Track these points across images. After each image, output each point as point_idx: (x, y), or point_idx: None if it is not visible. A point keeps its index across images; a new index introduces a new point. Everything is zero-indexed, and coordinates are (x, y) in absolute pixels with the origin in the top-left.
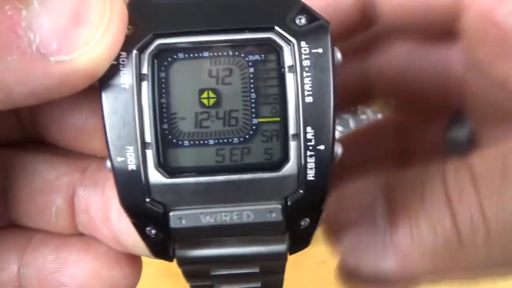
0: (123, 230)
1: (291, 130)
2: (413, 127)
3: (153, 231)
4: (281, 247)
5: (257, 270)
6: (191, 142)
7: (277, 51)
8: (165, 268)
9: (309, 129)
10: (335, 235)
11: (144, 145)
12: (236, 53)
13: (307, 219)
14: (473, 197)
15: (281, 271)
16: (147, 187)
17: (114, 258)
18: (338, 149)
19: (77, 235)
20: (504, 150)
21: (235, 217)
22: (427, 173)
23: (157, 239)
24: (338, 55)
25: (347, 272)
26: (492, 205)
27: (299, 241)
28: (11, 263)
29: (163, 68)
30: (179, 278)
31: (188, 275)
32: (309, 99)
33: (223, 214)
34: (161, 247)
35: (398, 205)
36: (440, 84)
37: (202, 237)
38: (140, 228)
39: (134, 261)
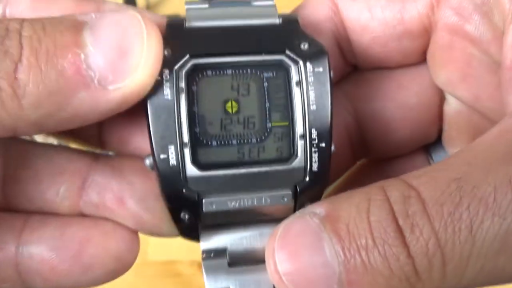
0: (146, 210)
1: (299, 131)
2: (393, 164)
3: (187, 216)
4: None
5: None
6: (218, 142)
7: (287, 69)
8: (166, 269)
9: (313, 130)
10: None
11: (183, 144)
12: (254, 71)
13: (309, 203)
14: (426, 227)
15: None
16: (185, 179)
17: (120, 234)
18: (332, 147)
19: (77, 216)
20: (454, 174)
21: (255, 201)
22: (371, 198)
23: (189, 222)
24: (331, 74)
25: None
26: (447, 233)
27: None
28: (8, 243)
29: (195, 83)
30: (179, 279)
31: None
32: (313, 107)
33: (246, 199)
34: (192, 229)
35: (344, 237)
36: (418, 113)
37: (228, 219)
38: (175, 213)
39: (135, 237)
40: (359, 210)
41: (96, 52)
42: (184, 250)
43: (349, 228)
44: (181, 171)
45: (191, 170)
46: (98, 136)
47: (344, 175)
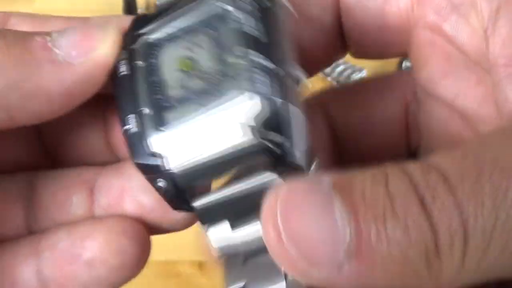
0: (146, 193)
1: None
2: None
3: (162, 183)
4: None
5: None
6: (179, 102)
7: (232, 16)
8: (166, 269)
9: (269, 62)
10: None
11: (142, 113)
12: (203, 27)
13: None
14: (449, 198)
15: None
16: (147, 142)
17: (122, 230)
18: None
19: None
20: (471, 148)
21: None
22: (388, 172)
23: (169, 188)
24: (282, 9)
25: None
26: (470, 205)
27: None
28: (30, 266)
29: (151, 56)
30: (179, 279)
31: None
32: (265, 40)
33: (212, 143)
34: (176, 196)
35: (358, 205)
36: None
37: (202, 172)
38: (152, 181)
39: (141, 231)
40: (376, 181)
41: (60, 37)
42: (184, 250)
43: (365, 195)
44: (143, 136)
45: (152, 133)
46: (106, 146)
47: None
